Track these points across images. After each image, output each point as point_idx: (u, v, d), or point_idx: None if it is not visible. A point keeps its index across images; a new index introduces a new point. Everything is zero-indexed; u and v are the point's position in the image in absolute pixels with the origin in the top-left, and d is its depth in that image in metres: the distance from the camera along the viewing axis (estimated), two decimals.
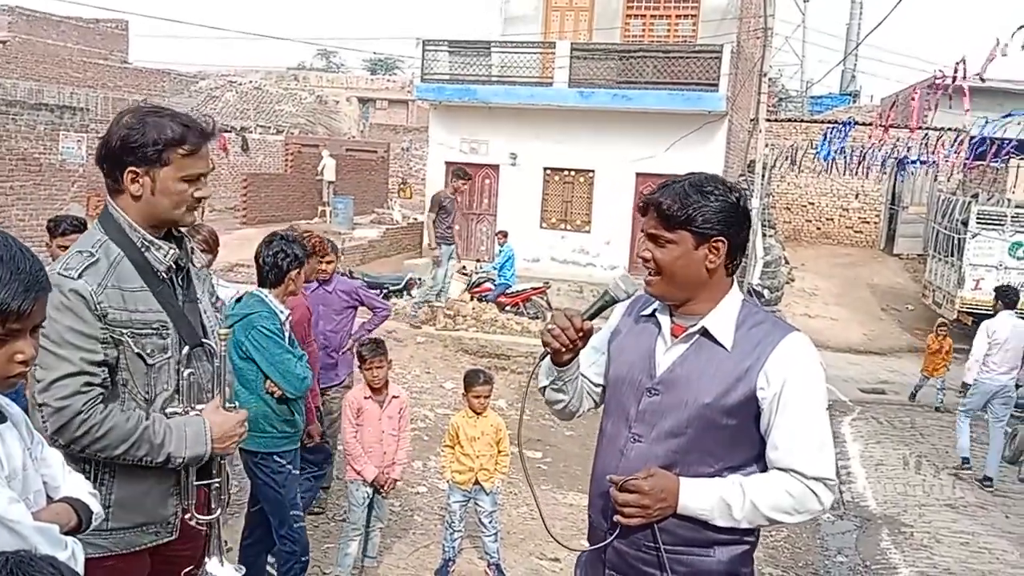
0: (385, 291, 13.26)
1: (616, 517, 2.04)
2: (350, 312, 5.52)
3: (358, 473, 4.43)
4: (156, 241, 2.20)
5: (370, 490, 4.47)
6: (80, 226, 4.57)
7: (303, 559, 4.01)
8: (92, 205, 16.60)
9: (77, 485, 1.80)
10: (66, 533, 1.60)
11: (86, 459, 2.11)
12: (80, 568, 1.55)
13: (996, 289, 8.97)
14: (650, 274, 2.10)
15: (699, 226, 2.02)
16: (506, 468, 4.82)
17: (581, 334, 2.10)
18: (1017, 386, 8.32)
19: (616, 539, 2.10)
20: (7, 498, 1.45)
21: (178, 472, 2.24)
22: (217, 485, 2.32)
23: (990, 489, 8.13)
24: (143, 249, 2.18)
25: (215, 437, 2.21)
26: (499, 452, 4.72)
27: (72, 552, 1.56)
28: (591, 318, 2.13)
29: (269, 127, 30.39)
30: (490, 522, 4.75)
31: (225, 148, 23.52)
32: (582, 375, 2.27)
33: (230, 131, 25.46)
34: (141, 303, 2.16)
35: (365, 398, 4.47)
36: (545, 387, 2.25)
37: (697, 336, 2.08)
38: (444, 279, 11.35)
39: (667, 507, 2.00)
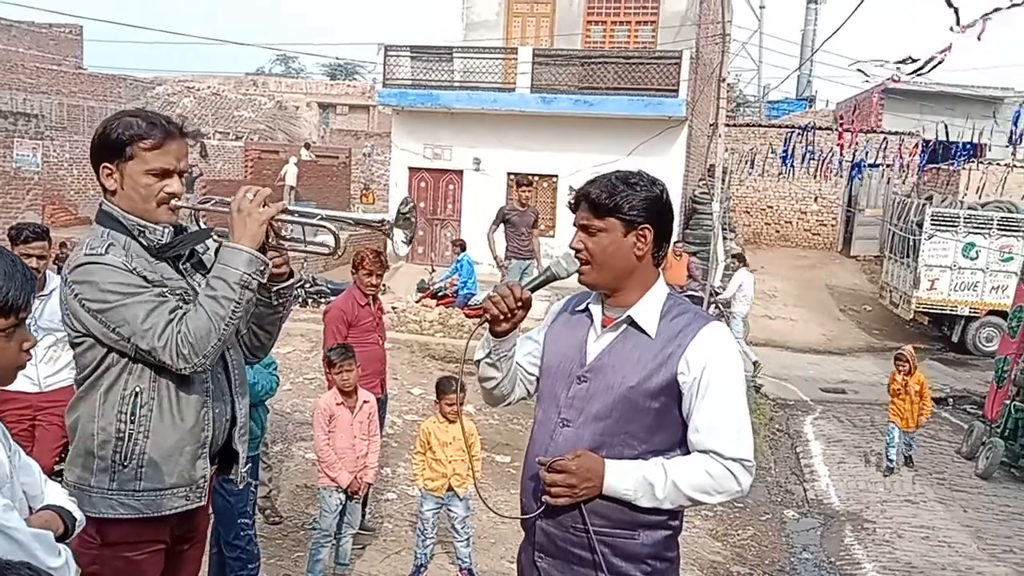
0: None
1: (544, 497, 2.12)
2: None
3: (332, 480, 4.42)
4: (149, 224, 2.30)
5: (343, 496, 4.46)
6: (43, 233, 4.48)
7: (250, 566, 4.02)
8: (48, 213, 16.28)
9: (57, 493, 1.79)
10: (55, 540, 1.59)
11: (120, 419, 2.21)
12: (73, 574, 1.55)
13: (734, 255, 13.59)
14: (583, 264, 2.20)
15: (626, 213, 2.14)
16: (478, 472, 4.82)
17: (520, 303, 2.17)
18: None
19: (542, 517, 2.18)
20: (2, 505, 1.45)
21: (207, 433, 2.32)
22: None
23: (757, 382, 11.64)
24: (138, 235, 2.29)
25: (239, 210, 2.21)
26: (471, 456, 4.72)
27: (66, 560, 1.56)
28: (532, 290, 2.21)
29: (228, 133, 30.08)
30: (463, 527, 4.75)
31: None
32: (518, 364, 2.36)
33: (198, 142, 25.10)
34: (165, 272, 2.29)
35: (337, 404, 4.46)
36: (480, 360, 2.31)
37: (625, 326, 2.19)
38: None
39: (593, 487, 2.09)
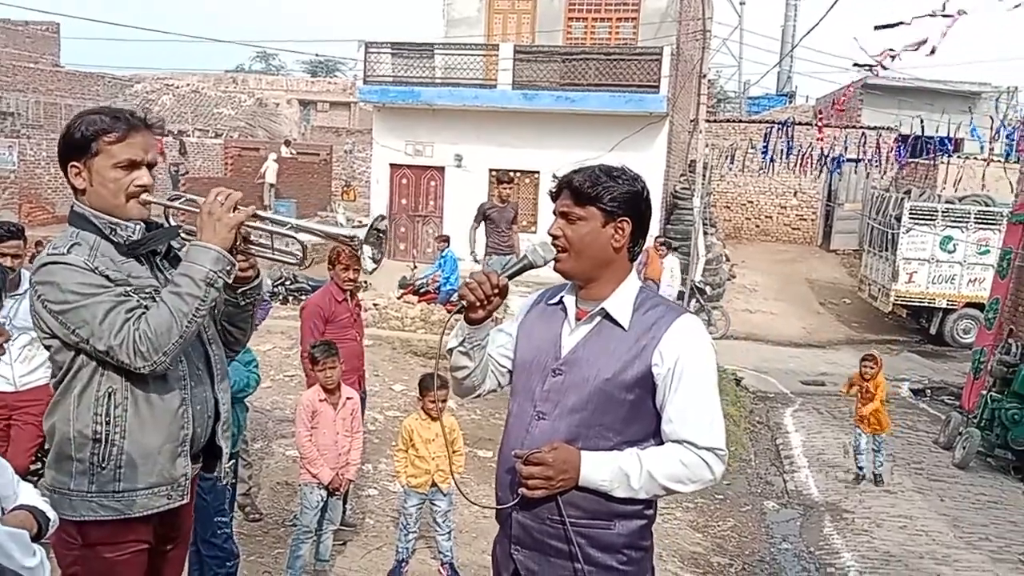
0: None
1: (521, 490, 2.14)
2: None
3: (314, 476, 4.42)
4: (121, 222, 2.29)
5: (324, 493, 4.45)
6: (18, 232, 4.44)
7: (228, 564, 4.00)
8: (24, 212, 16.12)
9: (30, 493, 1.78)
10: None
11: (96, 420, 2.18)
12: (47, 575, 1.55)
13: (661, 242, 13.15)
14: (560, 251, 2.22)
15: (607, 204, 2.17)
16: (461, 468, 4.83)
17: (496, 290, 2.19)
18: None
19: (518, 509, 2.20)
20: None
21: (187, 431, 2.30)
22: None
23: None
24: (110, 233, 2.27)
25: (209, 213, 2.24)
26: (453, 452, 4.73)
27: (41, 560, 1.56)
28: (509, 278, 2.24)
29: (207, 130, 29.91)
30: (444, 522, 4.76)
31: (162, 152, 23.06)
32: (490, 355, 2.37)
33: (167, 135, 24.97)
34: (133, 270, 2.27)
35: (320, 400, 4.45)
36: (453, 349, 2.32)
37: (599, 318, 2.22)
38: None
39: (569, 479, 2.11)
